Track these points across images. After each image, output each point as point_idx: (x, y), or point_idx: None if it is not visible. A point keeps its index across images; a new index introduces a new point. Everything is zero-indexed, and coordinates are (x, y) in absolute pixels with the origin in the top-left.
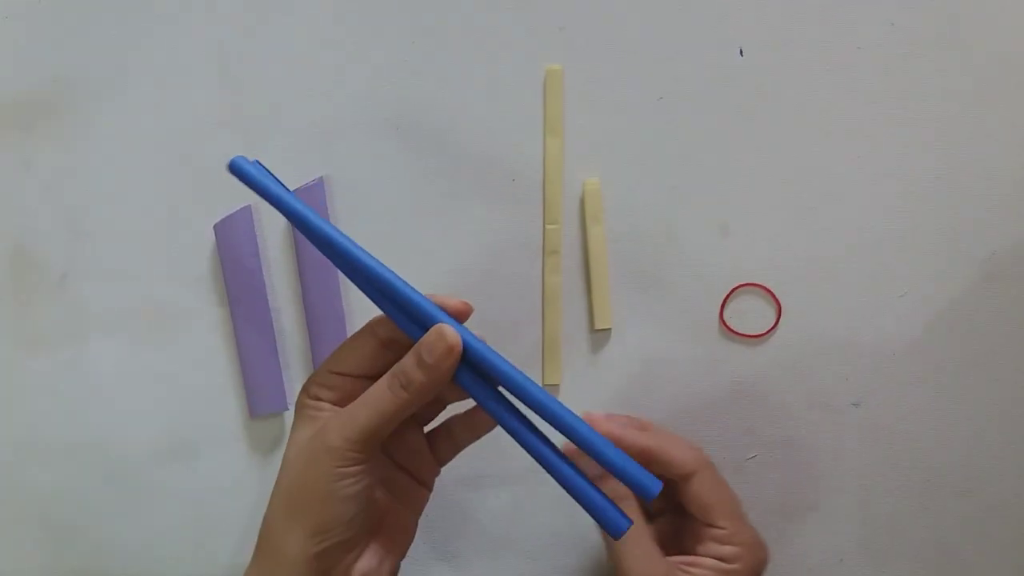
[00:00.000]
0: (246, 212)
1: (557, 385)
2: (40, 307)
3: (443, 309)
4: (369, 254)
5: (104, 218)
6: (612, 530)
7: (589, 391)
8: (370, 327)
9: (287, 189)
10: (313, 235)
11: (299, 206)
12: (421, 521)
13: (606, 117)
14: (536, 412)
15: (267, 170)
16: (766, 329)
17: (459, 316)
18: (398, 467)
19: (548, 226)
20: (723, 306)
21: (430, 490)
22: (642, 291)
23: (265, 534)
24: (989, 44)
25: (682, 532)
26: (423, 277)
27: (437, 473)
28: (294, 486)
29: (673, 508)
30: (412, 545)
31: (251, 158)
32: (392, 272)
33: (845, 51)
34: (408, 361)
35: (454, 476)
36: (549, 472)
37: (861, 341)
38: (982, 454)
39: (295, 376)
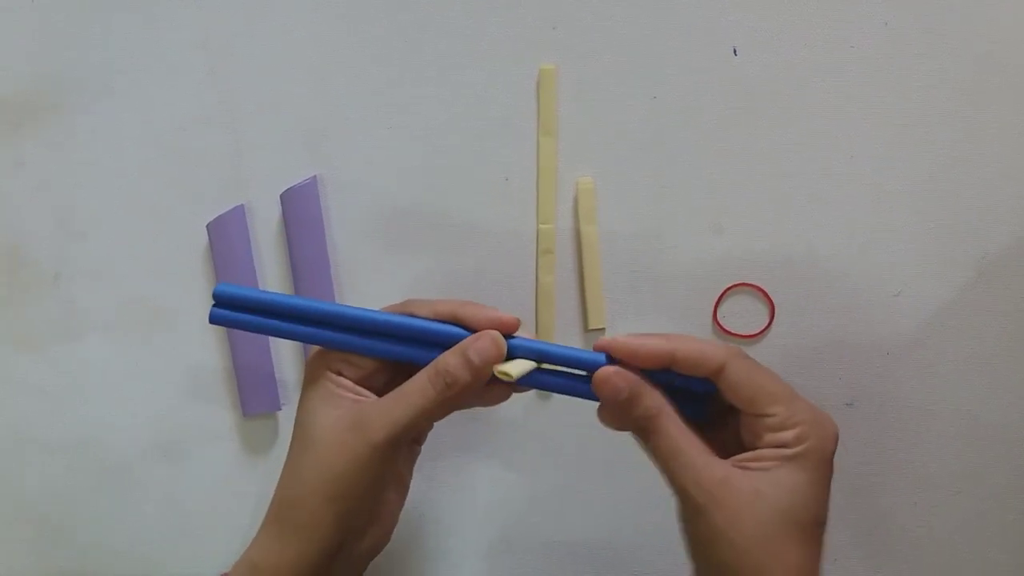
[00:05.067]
0: (239, 211)
1: None
2: (33, 306)
3: (499, 324)
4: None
5: (96, 217)
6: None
7: None
8: (401, 307)
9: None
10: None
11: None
12: (412, 520)
13: (599, 116)
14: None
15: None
16: (759, 329)
17: (510, 329)
18: None
19: (541, 225)
20: (716, 306)
21: (421, 445)
22: (635, 291)
23: (291, 509)
24: (983, 44)
25: (742, 432)
26: (415, 277)
27: (430, 428)
28: (334, 474)
29: (728, 411)
30: (404, 545)
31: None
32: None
33: (839, 50)
34: (453, 360)
35: (447, 474)
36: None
37: (854, 341)
38: (975, 453)
39: (288, 376)
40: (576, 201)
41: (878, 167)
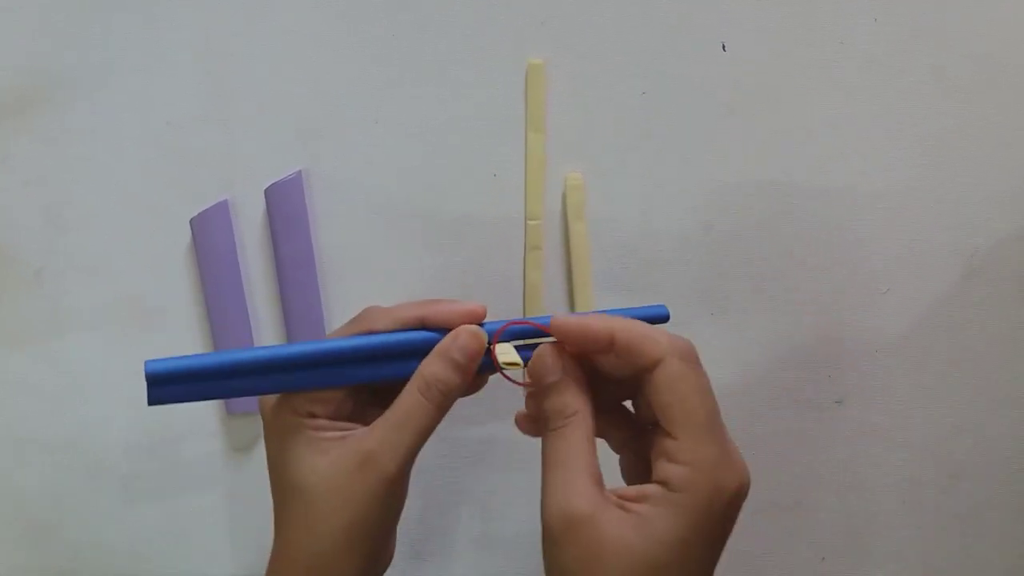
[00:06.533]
0: (223, 207)
1: None
2: (16, 303)
3: (471, 316)
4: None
5: (80, 213)
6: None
7: None
8: (359, 324)
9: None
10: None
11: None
12: (401, 522)
13: (589, 112)
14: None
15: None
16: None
17: (481, 318)
18: None
19: (530, 222)
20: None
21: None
22: (624, 288)
23: (315, 571)
24: (972, 41)
25: (651, 447)
26: (402, 273)
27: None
28: (353, 519)
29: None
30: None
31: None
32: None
33: (827, 46)
34: (440, 366)
35: (431, 474)
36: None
37: (844, 338)
38: (964, 451)
39: None
40: (565, 197)
41: (867, 163)
